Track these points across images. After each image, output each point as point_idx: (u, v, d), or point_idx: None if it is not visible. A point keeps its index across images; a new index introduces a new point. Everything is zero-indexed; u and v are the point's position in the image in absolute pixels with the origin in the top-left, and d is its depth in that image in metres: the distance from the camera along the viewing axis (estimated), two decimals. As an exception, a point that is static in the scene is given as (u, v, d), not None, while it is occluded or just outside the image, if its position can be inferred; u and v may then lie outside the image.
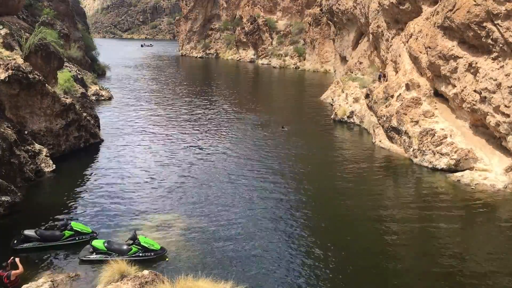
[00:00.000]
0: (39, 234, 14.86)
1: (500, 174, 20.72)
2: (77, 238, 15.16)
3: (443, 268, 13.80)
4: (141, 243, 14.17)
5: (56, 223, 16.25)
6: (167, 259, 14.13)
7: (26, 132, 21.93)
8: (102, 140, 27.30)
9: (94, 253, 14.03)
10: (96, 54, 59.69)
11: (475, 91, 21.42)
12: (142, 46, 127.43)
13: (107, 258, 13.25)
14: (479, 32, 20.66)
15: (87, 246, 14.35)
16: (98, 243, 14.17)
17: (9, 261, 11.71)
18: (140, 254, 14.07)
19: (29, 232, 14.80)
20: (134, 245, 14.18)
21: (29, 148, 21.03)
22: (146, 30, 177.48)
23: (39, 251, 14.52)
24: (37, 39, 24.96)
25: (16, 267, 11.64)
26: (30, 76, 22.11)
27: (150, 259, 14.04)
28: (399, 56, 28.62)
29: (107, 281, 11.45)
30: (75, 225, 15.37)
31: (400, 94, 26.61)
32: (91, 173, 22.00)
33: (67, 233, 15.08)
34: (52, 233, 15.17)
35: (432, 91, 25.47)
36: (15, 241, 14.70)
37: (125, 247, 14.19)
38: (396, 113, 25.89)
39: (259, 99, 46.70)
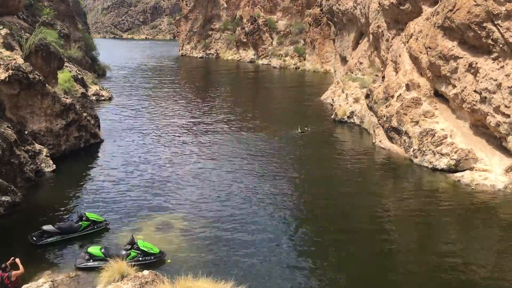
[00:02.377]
0: (57, 228, 15.32)
1: (500, 174, 20.70)
2: (95, 227, 15.76)
3: (443, 268, 13.79)
4: (140, 248, 13.92)
5: (69, 216, 16.90)
6: (169, 261, 14.01)
7: (26, 132, 21.94)
8: (102, 140, 27.30)
9: (91, 260, 13.63)
10: (96, 54, 59.72)
11: (475, 91, 21.42)
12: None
13: (105, 265, 12.69)
14: (479, 32, 20.65)
15: (82, 254, 14.06)
16: (94, 249, 13.82)
17: (9, 262, 11.71)
18: (140, 259, 13.79)
19: (48, 227, 15.24)
20: (132, 250, 13.92)
21: (29, 148, 21.04)
22: (146, 30, 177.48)
23: (56, 245, 14.90)
24: (37, 39, 24.94)
25: (17, 268, 11.64)
26: (30, 76, 22.12)
27: (154, 262, 13.90)
28: (399, 56, 28.61)
29: (107, 281, 11.44)
30: (90, 215, 15.91)
31: (400, 94, 26.59)
32: (91, 173, 22.01)
33: (84, 223, 15.62)
34: (70, 225, 15.68)
35: (432, 91, 25.46)
36: (34, 238, 14.99)
37: (123, 252, 13.80)
38: (396, 113, 25.88)
39: (259, 99, 46.69)
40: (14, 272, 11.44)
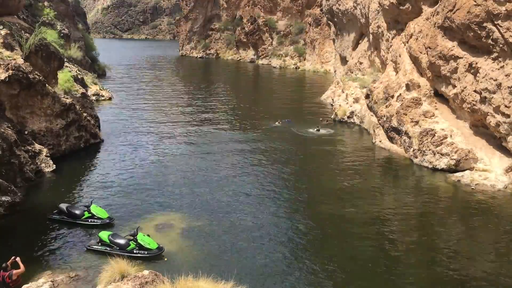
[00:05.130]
0: (67, 209, 16.37)
1: (500, 174, 20.71)
2: (89, 221, 16.26)
3: (443, 269, 13.80)
4: (138, 240, 14.24)
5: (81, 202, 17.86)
6: (165, 259, 14.11)
7: (26, 132, 21.93)
8: (102, 140, 27.30)
9: (99, 244, 14.48)
10: (96, 54, 59.73)
11: (475, 91, 21.42)
12: None
13: (107, 250, 13.94)
14: (479, 32, 20.65)
15: (97, 236, 14.88)
16: (104, 234, 14.62)
17: (9, 261, 11.72)
18: (135, 251, 14.16)
19: (62, 206, 16.57)
20: (132, 241, 14.36)
21: (29, 148, 21.03)
22: (146, 30, 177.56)
23: (58, 243, 15.16)
24: (37, 39, 24.91)
25: (18, 267, 11.66)
26: (30, 76, 22.11)
27: (148, 257, 14.05)
28: (399, 56, 28.61)
29: (107, 281, 11.42)
30: (94, 208, 16.45)
31: (400, 94, 26.60)
32: (91, 173, 22.00)
33: (86, 214, 16.29)
34: (76, 211, 16.47)
35: (432, 91, 25.47)
36: (53, 211, 16.71)
37: (124, 242, 14.46)
38: (396, 113, 25.89)
39: (260, 99, 46.71)
40: (15, 271, 11.47)
